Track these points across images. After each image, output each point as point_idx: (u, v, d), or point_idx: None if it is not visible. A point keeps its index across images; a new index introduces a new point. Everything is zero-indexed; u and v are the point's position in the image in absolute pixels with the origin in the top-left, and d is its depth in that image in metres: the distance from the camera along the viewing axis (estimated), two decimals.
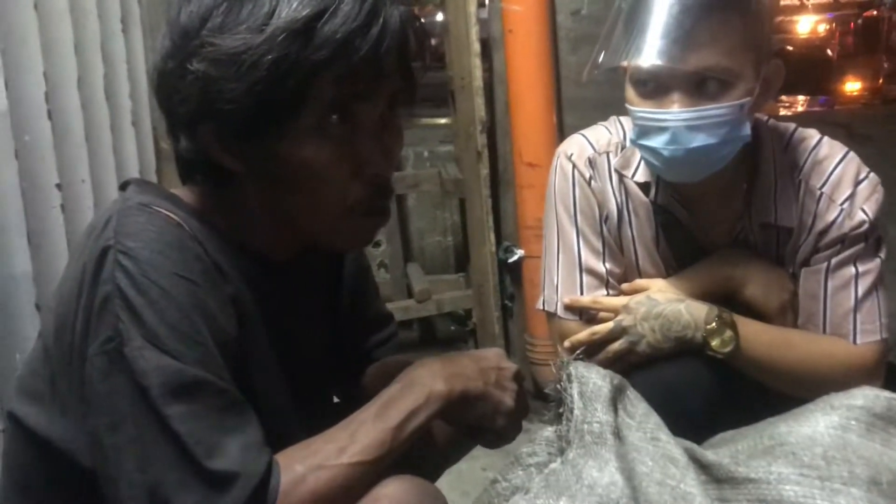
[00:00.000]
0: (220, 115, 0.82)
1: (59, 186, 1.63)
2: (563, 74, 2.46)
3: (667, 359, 1.28)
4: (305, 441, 0.84)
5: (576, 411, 0.79)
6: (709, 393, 1.26)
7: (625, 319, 1.30)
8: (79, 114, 1.79)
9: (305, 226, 0.92)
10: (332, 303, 1.12)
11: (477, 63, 2.44)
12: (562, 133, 2.45)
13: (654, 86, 1.18)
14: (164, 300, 0.78)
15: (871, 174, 1.31)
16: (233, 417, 0.79)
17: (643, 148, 1.24)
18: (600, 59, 1.25)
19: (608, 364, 1.29)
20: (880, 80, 12.10)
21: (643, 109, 1.20)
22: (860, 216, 1.27)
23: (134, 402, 0.76)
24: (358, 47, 0.81)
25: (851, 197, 1.28)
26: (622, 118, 1.43)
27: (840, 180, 1.29)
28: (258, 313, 0.91)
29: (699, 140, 1.17)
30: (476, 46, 2.42)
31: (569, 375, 0.84)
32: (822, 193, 1.30)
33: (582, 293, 1.38)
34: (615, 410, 0.82)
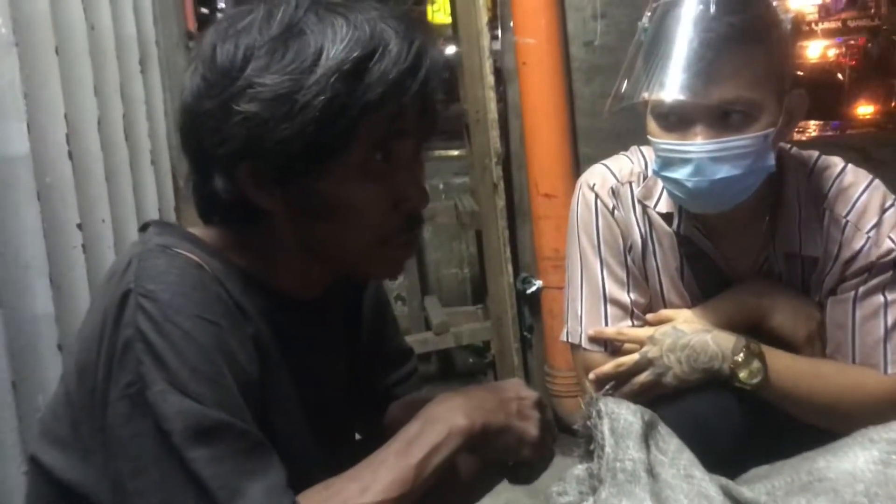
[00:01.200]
0: (265, 155, 0.82)
1: (79, 226, 1.64)
2: (578, 105, 2.46)
3: (693, 390, 1.26)
4: (327, 481, 0.83)
5: (607, 448, 0.78)
6: (737, 425, 1.24)
7: (650, 351, 1.28)
8: (99, 154, 1.80)
9: (339, 258, 0.92)
10: (352, 339, 1.12)
11: (491, 96, 2.45)
12: (577, 164, 2.45)
13: (677, 118, 1.18)
14: (186, 342, 0.78)
15: None
16: (255, 460, 0.79)
17: (666, 179, 1.23)
18: (622, 92, 1.25)
19: (634, 396, 1.28)
20: (893, 104, 12.09)
21: (666, 141, 1.20)
22: (888, 244, 1.26)
23: (157, 446, 0.76)
24: (408, 87, 0.83)
25: (878, 225, 1.27)
26: (643, 148, 1.43)
27: (866, 208, 1.28)
28: (279, 353, 0.91)
29: (723, 171, 1.16)
30: (490, 79, 2.44)
31: (598, 412, 0.82)
32: (847, 222, 1.28)
33: (606, 324, 1.36)
34: (647, 447, 0.80)
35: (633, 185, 1.38)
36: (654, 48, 1.18)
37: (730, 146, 1.16)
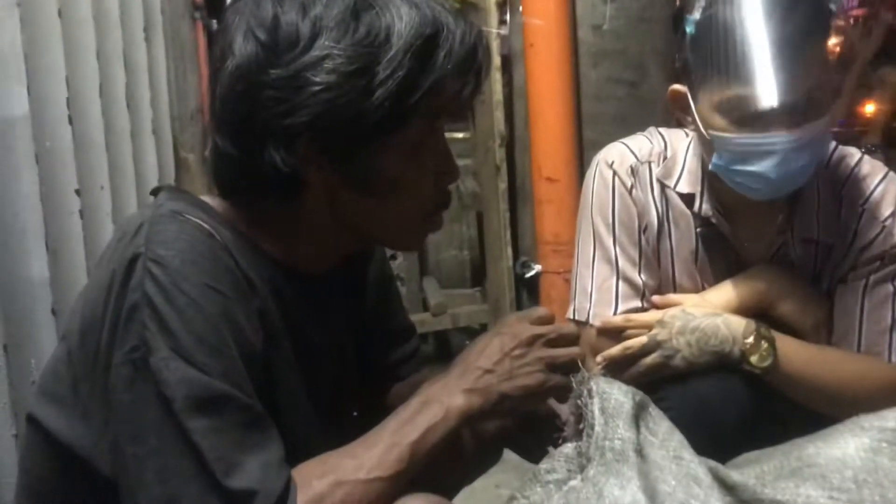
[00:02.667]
0: (334, 128, 0.82)
1: (78, 192, 1.63)
2: (584, 89, 2.45)
3: (699, 374, 1.26)
4: (323, 455, 0.83)
5: (597, 427, 0.77)
6: (743, 409, 1.24)
7: (659, 333, 1.27)
8: (99, 120, 1.79)
9: (377, 231, 0.94)
10: (356, 314, 1.11)
11: (497, 77, 2.44)
12: (581, 148, 2.44)
13: (755, 112, 1.15)
14: (193, 311, 0.77)
15: None
16: (255, 434, 0.78)
17: (740, 173, 1.20)
18: (697, 93, 1.23)
19: (641, 378, 1.27)
20: None
21: (745, 137, 1.17)
22: None
23: (157, 413, 0.75)
24: (470, 66, 0.86)
25: (893, 215, 1.27)
26: (662, 130, 1.42)
27: (882, 198, 1.29)
28: (285, 327, 0.90)
29: (804, 159, 1.17)
30: (496, 60, 2.42)
31: (589, 391, 0.82)
32: (863, 210, 1.29)
33: (617, 302, 1.35)
34: (637, 427, 0.80)
35: (653, 164, 1.37)
36: (720, 45, 1.16)
37: (811, 133, 1.15)
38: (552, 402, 1.04)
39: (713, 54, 1.17)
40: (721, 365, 1.25)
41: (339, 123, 0.82)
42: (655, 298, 1.36)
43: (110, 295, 0.79)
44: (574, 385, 0.83)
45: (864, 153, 1.35)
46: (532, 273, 2.53)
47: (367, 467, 0.81)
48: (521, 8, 2.36)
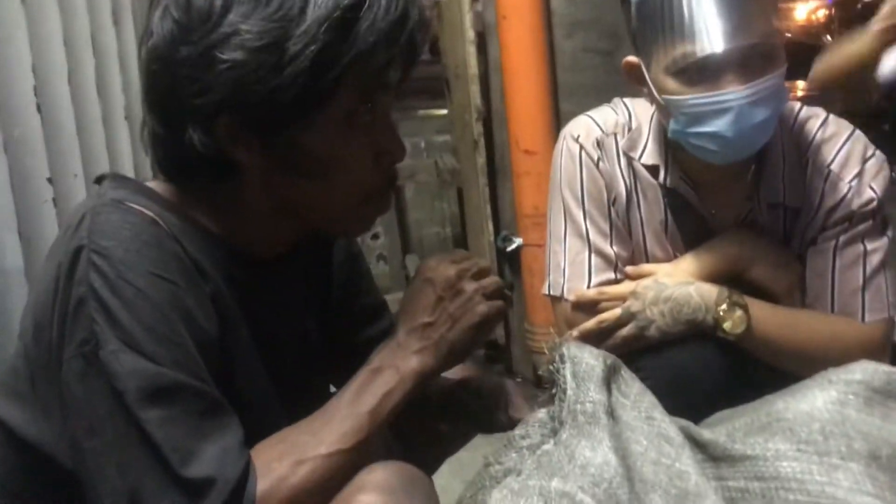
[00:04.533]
0: (249, 106, 0.79)
1: (50, 181, 1.62)
2: (559, 60, 2.44)
3: (675, 342, 1.27)
4: (281, 433, 0.83)
5: (568, 391, 0.78)
6: (719, 375, 1.25)
7: (633, 305, 1.28)
8: (69, 108, 1.77)
9: (315, 215, 0.90)
10: (322, 294, 1.10)
11: (472, 51, 2.42)
12: (558, 119, 2.44)
13: (704, 71, 1.15)
14: (140, 301, 0.77)
15: (878, 152, 1.30)
16: (211, 421, 0.78)
17: (697, 136, 1.19)
18: (655, 61, 1.22)
19: (617, 350, 1.28)
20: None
21: (697, 96, 1.16)
22: (868, 193, 1.27)
23: (111, 406, 0.75)
24: (398, 37, 0.81)
25: (860, 174, 1.28)
26: (626, 100, 1.41)
27: (848, 158, 1.28)
28: (239, 311, 0.89)
29: (760, 114, 1.15)
30: (470, 34, 2.41)
31: (561, 356, 0.82)
32: (829, 171, 1.29)
33: (590, 275, 1.36)
34: (609, 390, 0.81)
35: (618, 136, 1.36)
36: (664, 6, 1.15)
37: (766, 86, 1.14)
38: (517, 407, 1.06)
39: (658, 17, 1.16)
40: (696, 333, 1.25)
41: (253, 101, 0.79)
42: (629, 269, 1.36)
43: (57, 289, 0.78)
44: (547, 351, 0.83)
45: (829, 113, 1.34)
46: (513, 246, 2.53)
47: (327, 442, 0.81)
48: None
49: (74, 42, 1.85)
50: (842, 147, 1.29)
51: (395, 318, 0.94)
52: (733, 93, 1.14)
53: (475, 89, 2.45)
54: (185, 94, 0.81)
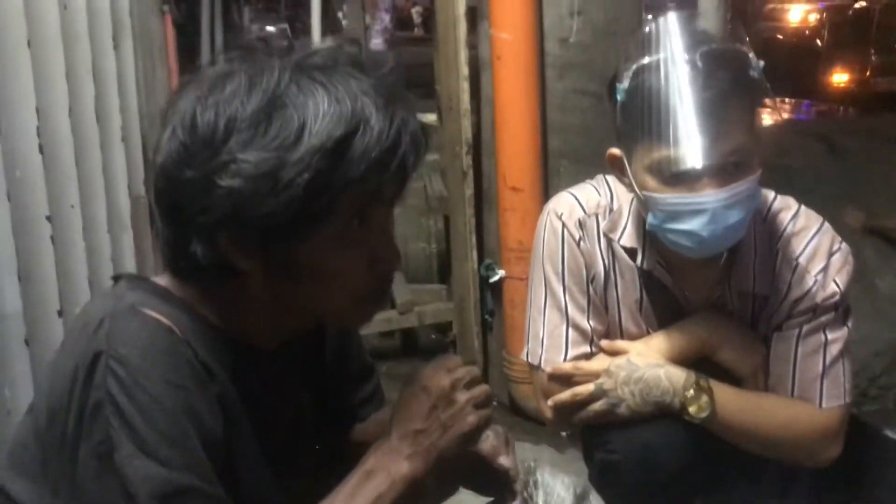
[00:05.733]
0: (247, 225, 0.85)
1: (48, 218, 1.65)
2: (549, 100, 2.49)
3: (644, 420, 1.34)
4: None
5: None
6: (684, 454, 1.33)
7: (605, 383, 1.35)
8: (69, 140, 1.80)
9: (315, 313, 0.96)
10: (315, 371, 1.16)
11: (465, 87, 2.46)
12: (546, 157, 2.49)
13: (683, 174, 1.22)
14: (154, 407, 0.82)
15: (844, 245, 1.38)
16: None
17: (673, 232, 1.26)
18: (623, 153, 1.30)
19: (588, 422, 1.36)
20: (868, 73, 12.13)
21: (676, 196, 1.23)
22: (832, 287, 1.35)
23: None
24: (389, 164, 0.85)
25: (825, 269, 1.35)
26: (608, 178, 1.47)
27: (815, 252, 1.36)
28: (243, 407, 0.95)
29: (734, 216, 1.23)
30: (464, 70, 2.45)
31: (535, 482, 0.89)
32: (798, 263, 1.37)
33: (567, 348, 1.43)
34: None
35: (599, 217, 1.43)
36: (647, 110, 1.21)
37: (738, 191, 1.21)
38: (500, 461, 1.12)
39: (642, 119, 1.23)
40: (664, 413, 1.33)
41: (250, 222, 0.84)
42: (604, 343, 1.43)
43: (74, 388, 0.84)
44: (521, 473, 0.90)
45: (800, 205, 1.42)
46: (496, 278, 2.59)
47: None
48: (488, 19, 2.38)
49: (76, 72, 1.88)
50: (810, 241, 1.37)
51: (390, 421, 0.98)
52: (709, 196, 1.21)
53: (466, 123, 2.50)
54: (188, 210, 0.86)
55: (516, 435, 1.12)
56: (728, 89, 1.20)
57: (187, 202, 0.86)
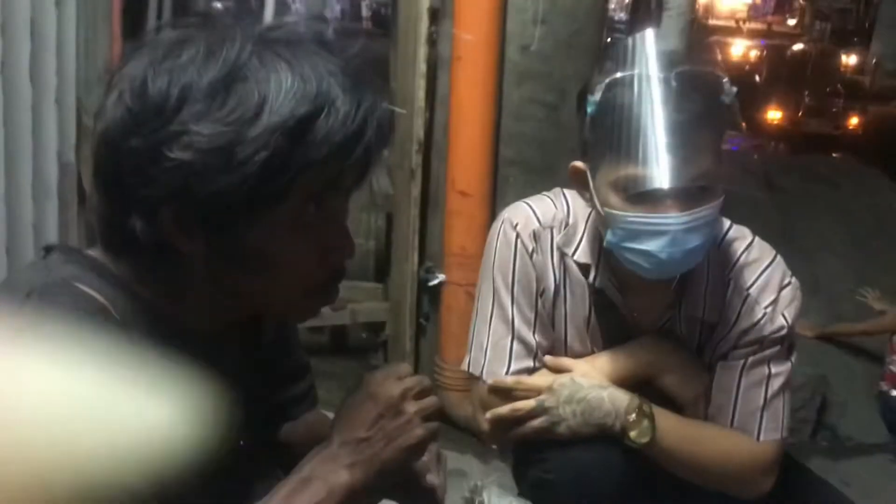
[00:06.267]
0: (192, 203, 0.79)
1: None
2: (505, 108, 2.46)
3: (583, 441, 1.31)
4: None
5: None
6: (621, 480, 1.31)
7: (547, 400, 1.32)
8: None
9: (257, 304, 0.91)
10: (250, 358, 1.10)
11: (421, 84, 2.41)
12: (496, 165, 2.47)
13: (647, 195, 1.19)
14: None
15: (794, 280, 1.38)
16: None
17: (632, 251, 1.23)
18: (586, 166, 1.27)
19: (526, 438, 1.32)
20: (800, 113, 12.62)
21: (637, 215, 1.20)
22: (780, 321, 1.35)
23: None
24: (353, 149, 0.80)
25: (775, 302, 1.35)
26: (566, 191, 1.44)
27: (766, 284, 1.36)
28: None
29: (694, 241, 1.20)
30: (422, 68, 2.40)
31: (482, 502, 0.85)
32: (748, 294, 1.36)
33: (510, 362, 1.39)
34: None
35: (554, 230, 1.40)
36: (617, 126, 1.18)
37: (700, 216, 1.20)
38: (429, 478, 1.08)
39: (610, 134, 1.20)
40: (604, 435, 1.31)
41: (198, 199, 0.78)
42: (547, 359, 1.40)
43: None
44: (468, 493, 0.86)
45: (755, 236, 1.42)
46: (436, 282, 2.55)
47: None
48: (452, 18, 2.34)
49: (13, 26, 1.77)
50: (762, 272, 1.37)
51: (332, 426, 0.93)
52: (671, 218, 1.19)
53: (419, 122, 2.45)
54: (130, 182, 0.80)
55: (443, 444, 1.08)
56: (701, 113, 1.18)
57: (130, 173, 0.79)
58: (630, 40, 1.23)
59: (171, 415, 0.88)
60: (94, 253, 0.89)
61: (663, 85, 1.17)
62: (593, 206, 1.29)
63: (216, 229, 0.82)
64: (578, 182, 1.31)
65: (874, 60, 14.06)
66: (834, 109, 12.46)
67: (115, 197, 0.83)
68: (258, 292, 0.88)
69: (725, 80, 1.23)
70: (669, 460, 1.34)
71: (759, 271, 1.37)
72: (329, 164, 0.80)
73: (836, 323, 3.38)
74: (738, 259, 1.38)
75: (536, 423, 1.33)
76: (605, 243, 1.28)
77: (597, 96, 1.21)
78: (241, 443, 1.07)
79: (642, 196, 1.20)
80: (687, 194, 1.19)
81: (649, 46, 1.21)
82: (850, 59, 14.91)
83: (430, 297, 2.65)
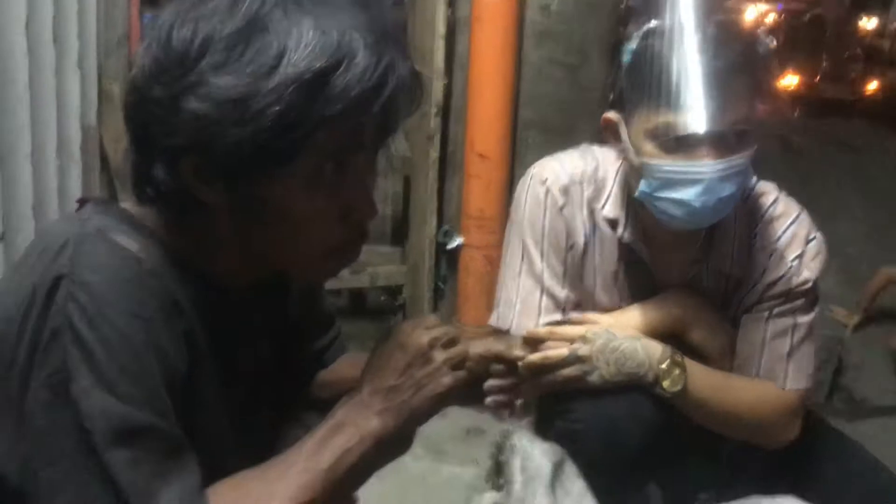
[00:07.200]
0: (211, 154, 0.79)
1: None
2: (524, 69, 2.45)
3: (612, 392, 1.32)
4: (238, 478, 0.84)
5: (516, 486, 0.82)
6: (649, 430, 1.32)
7: (581, 349, 1.32)
8: (24, 59, 1.71)
9: (280, 262, 0.91)
10: (280, 312, 1.12)
11: (440, 45, 2.40)
12: (516, 127, 2.46)
13: (682, 141, 1.21)
14: (117, 339, 0.77)
15: (819, 234, 1.40)
16: (173, 462, 0.79)
17: (664, 200, 1.25)
18: (625, 115, 1.29)
19: (557, 388, 1.33)
20: (817, 78, 12.44)
21: (672, 164, 1.23)
22: (806, 274, 1.37)
23: (75, 442, 0.76)
24: (370, 105, 0.79)
25: (801, 256, 1.37)
26: (595, 147, 1.45)
27: (792, 239, 1.38)
28: (209, 346, 0.90)
29: (727, 189, 1.23)
30: (441, 29, 2.39)
31: (512, 447, 0.86)
32: (775, 248, 1.38)
33: (540, 314, 1.41)
34: (553, 490, 0.85)
35: (584, 185, 1.41)
36: (654, 73, 1.20)
37: (735, 164, 1.22)
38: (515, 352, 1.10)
39: (647, 82, 1.22)
40: (633, 387, 1.32)
41: (215, 152, 0.79)
42: (574, 316, 1.41)
43: (30, 313, 0.78)
44: (498, 438, 0.87)
45: (780, 192, 1.44)
46: (454, 244, 2.55)
47: (280, 496, 0.82)
48: None
49: None
50: (789, 227, 1.39)
51: (362, 374, 0.94)
52: (707, 165, 1.21)
53: (438, 84, 2.44)
54: (154, 131, 0.81)
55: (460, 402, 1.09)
56: (737, 60, 1.20)
57: (153, 122, 0.81)
58: None
59: (201, 369, 0.90)
60: (127, 205, 0.91)
61: (699, 33, 1.19)
62: (626, 157, 1.30)
63: (234, 181, 0.82)
64: (610, 133, 1.33)
65: (894, 25, 13.82)
66: (853, 74, 12.28)
67: (141, 145, 0.85)
68: (279, 248, 0.89)
69: (760, 31, 1.24)
70: (699, 409, 1.35)
71: (785, 225, 1.38)
72: (346, 120, 0.79)
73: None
74: (765, 214, 1.40)
75: (568, 371, 1.33)
76: (637, 194, 1.30)
77: (632, 45, 1.23)
78: (273, 393, 1.09)
79: (678, 143, 1.21)
80: (723, 141, 1.21)
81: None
82: (869, 24, 14.66)
83: (447, 261, 2.66)
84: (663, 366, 1.30)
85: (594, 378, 1.32)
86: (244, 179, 0.82)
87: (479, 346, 1.01)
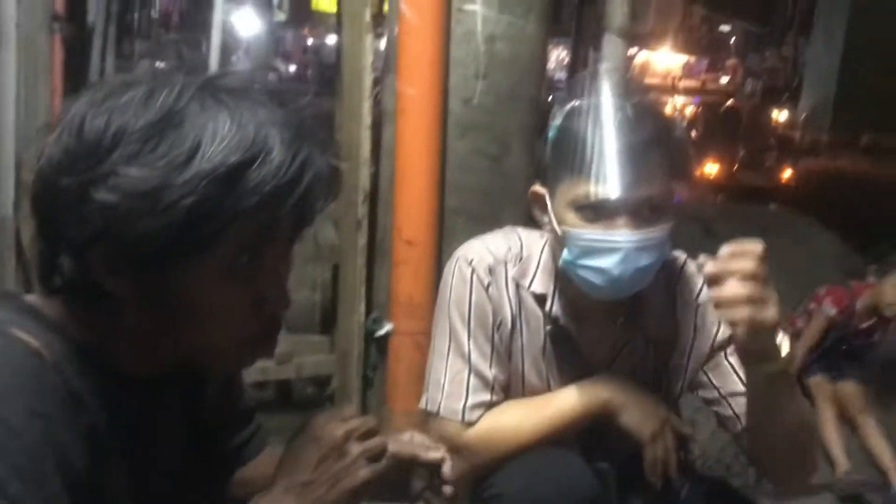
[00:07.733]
0: (121, 245, 0.79)
1: None
2: (449, 158, 2.49)
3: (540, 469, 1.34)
4: None
5: None
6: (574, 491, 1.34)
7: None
8: None
9: (190, 355, 0.89)
10: (196, 404, 1.08)
11: (366, 136, 2.44)
12: (442, 215, 2.49)
13: (601, 211, 1.28)
14: (10, 438, 0.74)
15: None
16: None
17: (585, 268, 1.30)
18: (548, 186, 1.35)
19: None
20: (735, 167, 13.09)
21: (593, 233, 1.28)
22: None
23: None
24: (285, 199, 0.80)
25: None
26: (519, 229, 1.51)
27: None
28: (115, 440, 0.87)
29: (644, 259, 1.28)
30: (367, 120, 2.43)
31: None
32: (698, 304, 1.45)
33: (467, 395, 1.42)
34: None
35: (509, 264, 1.45)
36: (575, 146, 1.27)
37: (653, 235, 1.28)
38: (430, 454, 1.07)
39: (570, 155, 1.29)
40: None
41: (125, 241, 0.78)
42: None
43: None
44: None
45: (685, 254, 1.51)
46: (383, 332, 2.53)
47: None
48: (395, 73, 2.38)
49: None
50: (703, 282, 1.43)
51: (276, 470, 0.93)
52: (624, 235, 1.27)
53: (365, 172, 2.47)
54: (61, 221, 0.80)
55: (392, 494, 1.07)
56: (652, 137, 1.28)
57: (61, 212, 0.80)
58: (587, 76, 1.33)
59: (106, 467, 0.86)
60: (31, 298, 0.89)
61: (619, 111, 1.27)
62: (551, 228, 1.36)
63: (144, 272, 0.81)
64: (537, 205, 1.39)
65: (803, 116, 14.70)
66: (767, 163, 12.97)
67: (48, 235, 0.84)
68: (189, 340, 0.87)
69: (676, 116, 1.31)
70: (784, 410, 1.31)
71: (700, 281, 1.44)
72: (260, 213, 0.80)
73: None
74: (679, 275, 1.46)
75: None
76: (560, 262, 1.34)
77: (557, 121, 1.32)
78: (188, 493, 1.05)
79: (597, 213, 1.27)
80: (638, 214, 1.27)
81: (605, 82, 1.31)
82: (780, 116, 15.58)
83: (377, 348, 2.63)
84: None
85: None
86: (154, 270, 0.81)
87: (395, 445, 1.00)
